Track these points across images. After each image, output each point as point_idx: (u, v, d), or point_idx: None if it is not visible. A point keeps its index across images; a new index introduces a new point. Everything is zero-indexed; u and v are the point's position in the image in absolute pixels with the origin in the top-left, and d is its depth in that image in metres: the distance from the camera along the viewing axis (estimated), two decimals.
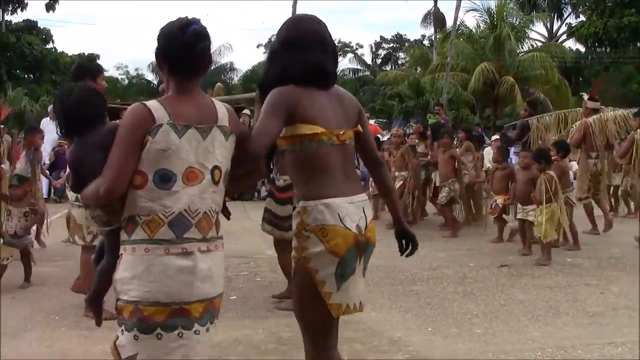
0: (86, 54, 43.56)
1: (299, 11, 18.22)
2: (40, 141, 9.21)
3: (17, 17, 42.05)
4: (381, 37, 62.18)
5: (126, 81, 51.77)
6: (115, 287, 2.86)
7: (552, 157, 9.14)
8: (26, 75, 41.40)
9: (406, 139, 12.93)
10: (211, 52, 3.08)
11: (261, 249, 9.32)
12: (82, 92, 3.24)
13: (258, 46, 62.43)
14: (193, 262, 2.81)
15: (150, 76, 42.94)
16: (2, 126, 9.02)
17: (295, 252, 3.23)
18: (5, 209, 7.13)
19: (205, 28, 3.00)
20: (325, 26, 3.50)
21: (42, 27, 42.23)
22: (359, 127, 3.42)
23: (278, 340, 5.27)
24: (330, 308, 3.21)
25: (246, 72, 41.03)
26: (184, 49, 2.91)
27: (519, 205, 9.24)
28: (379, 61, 59.85)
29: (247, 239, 9.93)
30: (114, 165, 2.76)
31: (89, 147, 2.98)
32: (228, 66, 42.86)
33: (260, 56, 58.38)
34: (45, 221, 8.96)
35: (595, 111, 11.19)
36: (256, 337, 5.36)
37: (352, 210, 3.22)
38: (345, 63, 51.16)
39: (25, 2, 41.27)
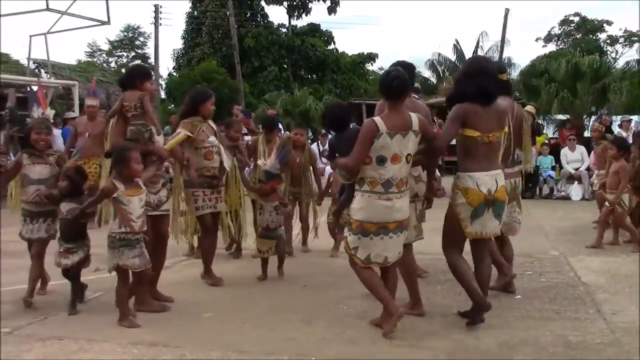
0: (365, 54, 44.75)
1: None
2: (237, 134, 8.46)
3: (301, 22, 44.45)
4: None
5: None
6: (350, 211, 5.33)
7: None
8: (310, 76, 43.45)
9: None
10: (403, 84, 5.24)
11: (545, 248, 9.08)
12: (343, 108, 6.12)
13: (537, 40, 60.19)
14: (392, 203, 5.20)
15: (427, 73, 42.70)
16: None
17: (451, 200, 5.54)
18: (259, 203, 7.50)
19: (399, 71, 5.29)
20: (492, 62, 6.54)
21: (324, 30, 44.17)
22: (506, 129, 5.67)
23: (566, 344, 5.04)
24: (466, 234, 5.50)
25: (525, 66, 39.70)
26: (387, 86, 5.26)
27: None
28: None
29: (530, 237, 9.66)
30: (357, 154, 5.16)
31: (342, 139, 5.50)
32: (505, 61, 41.94)
33: (539, 50, 56.19)
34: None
35: None
36: (543, 339, 5.18)
37: (487, 179, 5.40)
38: (631, 54, 47.88)
39: (309, 7, 43.53)
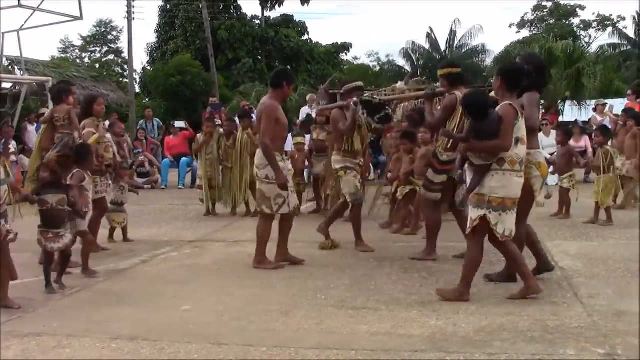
0: (339, 44, 44.67)
1: None
2: (120, 131, 10.14)
3: (275, 13, 44.33)
4: None
5: (377, 68, 52.21)
6: (487, 190, 5.71)
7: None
8: (284, 67, 43.25)
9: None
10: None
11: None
12: (483, 95, 6.24)
13: (510, 26, 60.17)
14: (521, 180, 5.80)
15: (401, 62, 42.81)
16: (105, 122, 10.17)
17: (525, 175, 5.95)
18: (119, 184, 9.15)
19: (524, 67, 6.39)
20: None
21: (297, 21, 44.06)
22: None
23: (544, 328, 5.08)
24: (536, 203, 6.34)
25: (498, 53, 39.69)
26: (520, 78, 6.03)
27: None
28: None
29: None
30: (506, 136, 5.64)
31: (487, 123, 5.69)
32: (480, 48, 42.03)
33: (513, 36, 56.22)
34: None
35: None
36: (521, 323, 5.21)
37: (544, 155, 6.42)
38: (604, 38, 47.86)
39: None
